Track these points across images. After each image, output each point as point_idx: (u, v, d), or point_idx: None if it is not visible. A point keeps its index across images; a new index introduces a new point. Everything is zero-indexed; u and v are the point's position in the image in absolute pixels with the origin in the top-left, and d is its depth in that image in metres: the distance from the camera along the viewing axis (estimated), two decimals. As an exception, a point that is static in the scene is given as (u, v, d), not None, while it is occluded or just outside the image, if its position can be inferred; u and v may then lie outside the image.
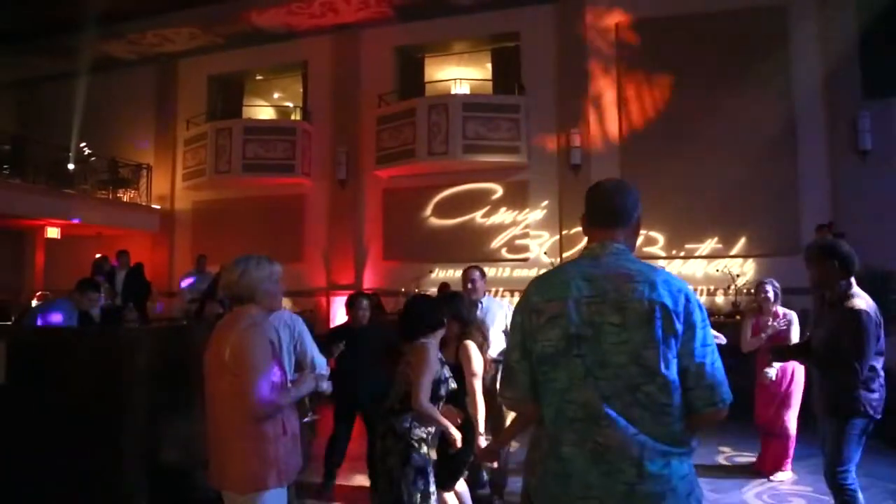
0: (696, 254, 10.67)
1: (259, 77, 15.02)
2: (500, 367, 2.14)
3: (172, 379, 4.32)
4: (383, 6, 12.17)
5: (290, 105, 15.30)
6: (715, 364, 1.82)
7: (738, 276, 10.12)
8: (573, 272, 1.93)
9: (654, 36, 11.02)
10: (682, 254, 10.74)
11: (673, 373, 1.79)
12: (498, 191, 11.86)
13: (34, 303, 9.47)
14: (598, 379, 1.79)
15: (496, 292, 11.12)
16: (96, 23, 11.95)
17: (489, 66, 13.09)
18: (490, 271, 11.60)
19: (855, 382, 3.50)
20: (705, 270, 10.57)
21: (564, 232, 11.10)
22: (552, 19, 11.73)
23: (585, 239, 2.08)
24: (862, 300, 3.55)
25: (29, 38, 13.49)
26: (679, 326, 1.80)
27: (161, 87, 14.87)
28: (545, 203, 11.44)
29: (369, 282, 12.36)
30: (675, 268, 10.69)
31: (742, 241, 10.45)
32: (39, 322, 5.59)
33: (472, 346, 3.86)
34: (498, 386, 2.10)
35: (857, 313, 3.47)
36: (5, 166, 12.53)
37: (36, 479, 4.21)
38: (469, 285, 5.08)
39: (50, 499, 4.16)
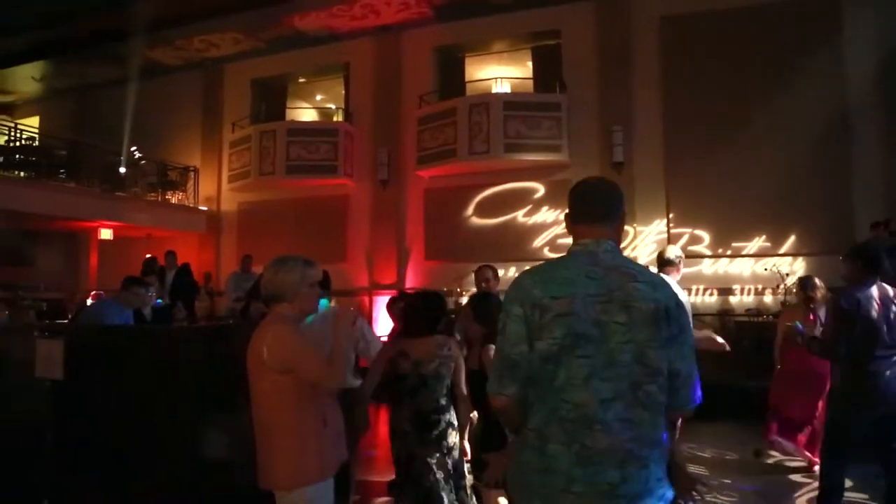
0: (744, 252, 10.42)
1: (301, 80, 15.23)
2: (495, 360, 1.95)
3: (219, 376, 4.41)
4: (423, 7, 12.21)
5: (333, 107, 15.49)
6: (694, 366, 1.92)
7: (787, 274, 9.85)
8: (575, 269, 1.90)
9: (699, 29, 10.80)
10: (728, 252, 10.50)
11: (667, 372, 1.84)
12: (539, 190, 11.78)
13: (89, 302, 9.77)
14: (603, 380, 1.77)
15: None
16: (145, 31, 12.28)
17: (530, 64, 13.01)
18: (532, 271, 11.54)
19: (838, 373, 4.01)
20: (753, 269, 10.32)
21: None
22: (593, 15, 11.61)
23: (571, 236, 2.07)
24: (855, 291, 3.90)
25: (83, 47, 13.96)
26: (674, 328, 1.85)
27: (207, 91, 15.22)
28: (588, 202, 11.31)
29: (411, 281, 12.42)
30: (721, 266, 10.48)
31: (791, 238, 10.18)
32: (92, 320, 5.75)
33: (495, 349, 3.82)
34: (491, 380, 1.93)
35: (831, 300, 4.02)
36: (61, 171, 12.98)
37: (89, 471, 4.35)
38: (483, 285, 5.19)
39: (102, 490, 4.29)
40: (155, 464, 4.22)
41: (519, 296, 1.88)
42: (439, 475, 3.29)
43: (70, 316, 9.15)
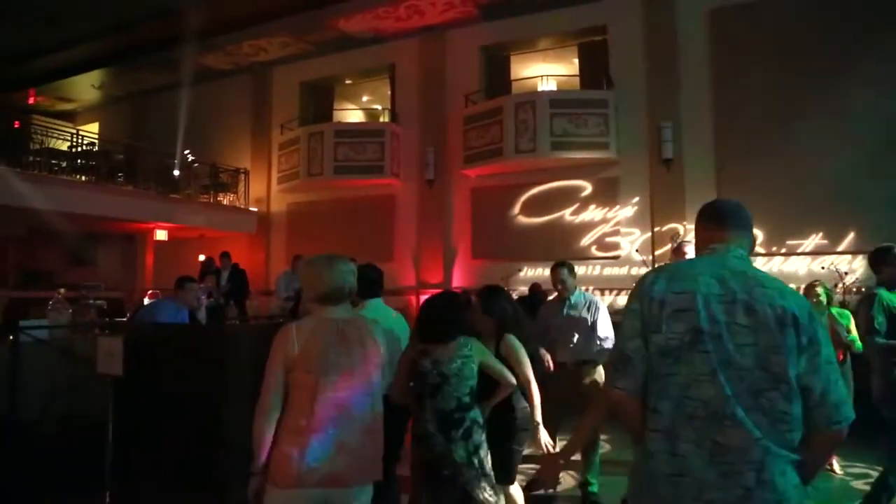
0: (799, 250, 10.11)
1: (348, 81, 15.40)
2: (612, 355, 1.99)
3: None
4: (468, 6, 12.20)
5: (379, 108, 15.63)
6: (838, 382, 1.82)
7: (846, 273, 9.51)
8: (701, 268, 1.92)
9: (751, 20, 10.51)
10: (783, 250, 10.20)
11: (795, 382, 1.77)
12: (587, 188, 11.66)
13: (146, 301, 10.07)
14: (724, 378, 1.76)
15: (587, 290, 10.92)
16: (197, 38, 12.60)
17: (576, 61, 12.88)
18: (580, 269, 11.38)
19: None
20: (809, 268, 10.00)
21: (656, 229, 10.79)
22: (641, 10, 11.42)
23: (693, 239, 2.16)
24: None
25: (139, 55, 14.41)
26: (804, 339, 1.79)
27: (256, 94, 15.54)
28: (636, 199, 11.15)
29: (458, 280, 12.44)
30: (775, 265, 10.18)
31: (851, 236, 9.82)
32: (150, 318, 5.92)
33: (513, 338, 3.83)
34: (608, 374, 1.98)
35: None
36: (119, 174, 13.42)
37: (147, 464, 4.49)
38: (559, 286, 5.34)
39: (160, 482, 4.43)
40: (209, 457, 4.33)
41: (638, 292, 1.94)
42: (471, 473, 3.23)
43: (128, 314, 9.45)
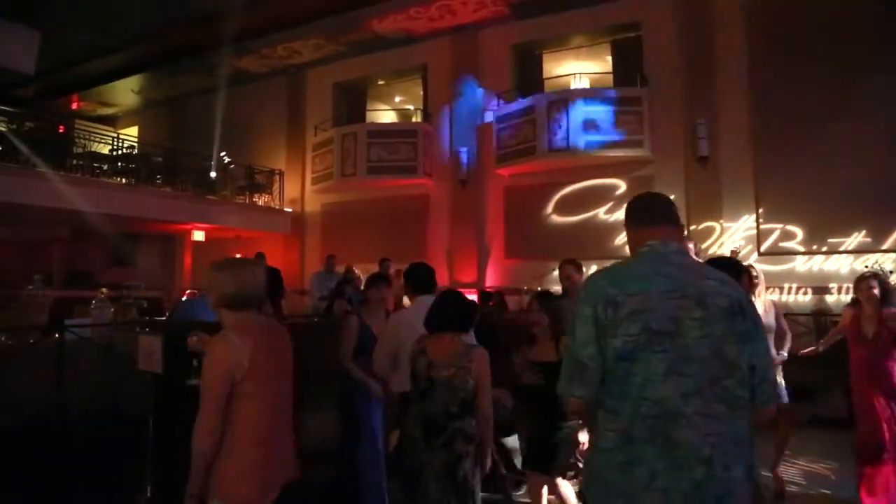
0: (841, 248, 9.86)
1: (381, 82, 15.50)
2: (563, 362, 1.94)
3: (305, 370, 4.55)
4: (500, 5, 12.18)
5: (412, 108, 15.69)
6: (771, 363, 1.94)
7: (891, 272, 9.24)
8: (648, 267, 1.93)
9: (789, 14, 10.29)
10: (824, 249, 9.96)
11: (746, 367, 1.84)
12: (621, 186, 11.55)
13: (184, 299, 10.26)
14: (681, 375, 1.77)
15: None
16: (233, 41, 12.80)
17: (609, 58, 12.77)
18: (613, 268, 11.32)
19: None
20: (852, 267, 9.74)
21: (692, 227, 10.63)
22: (675, 5, 11.26)
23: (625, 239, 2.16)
24: None
25: (176, 60, 14.71)
26: (748, 323, 1.87)
27: (290, 96, 15.74)
28: (671, 197, 10.95)
29: (491, 280, 12.42)
30: (815, 264, 9.96)
31: None
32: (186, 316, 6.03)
33: None
34: (561, 383, 1.93)
35: None
36: (158, 177, 13.71)
37: (187, 459, 4.57)
38: (566, 282, 5.39)
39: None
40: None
41: (591, 296, 1.90)
42: (444, 486, 3.11)
43: (167, 313, 9.64)
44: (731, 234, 10.53)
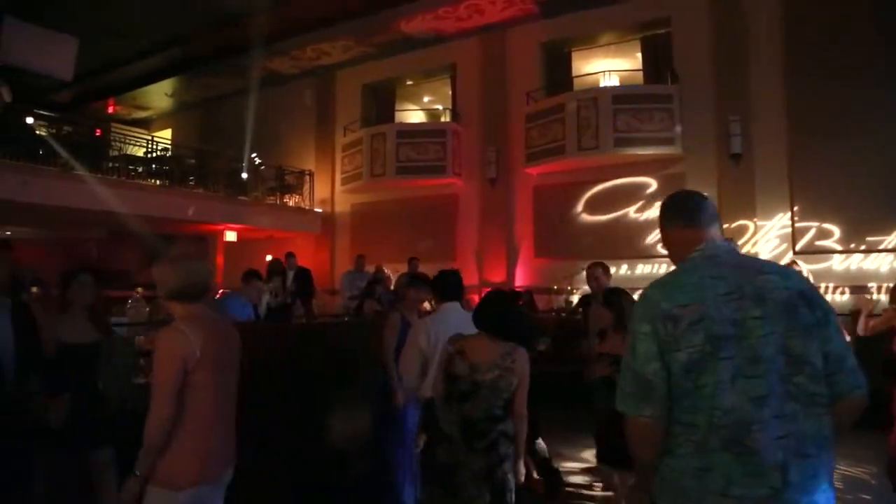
0: (881, 247, 9.62)
1: (409, 82, 15.54)
2: (622, 380, 1.88)
3: (335, 368, 4.58)
4: (528, 3, 12.13)
5: (440, 108, 15.72)
6: (850, 349, 1.83)
7: (932, 270, 9.01)
8: (700, 273, 1.85)
9: (827, 3, 10.06)
10: (862, 247, 9.73)
11: (819, 361, 1.75)
12: (652, 185, 11.42)
13: (216, 298, 10.40)
14: (749, 378, 1.71)
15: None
16: (263, 43, 12.96)
17: (639, 55, 12.65)
18: (645, 268, 11.22)
19: None
20: (892, 265, 9.52)
21: (725, 225, 10.45)
22: (707, 0, 11.10)
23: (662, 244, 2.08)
24: None
25: (208, 63, 14.94)
26: (819, 313, 1.79)
27: (320, 97, 15.87)
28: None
29: (521, 279, 12.38)
30: (853, 262, 9.74)
31: (937, 231, 9.31)
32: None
33: None
34: (619, 401, 1.87)
35: None
36: (191, 178, 13.93)
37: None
38: (593, 283, 5.41)
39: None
40: (279, 450, 4.45)
41: (646, 312, 1.84)
42: (482, 487, 3.08)
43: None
44: (765, 233, 10.35)
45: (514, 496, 3.19)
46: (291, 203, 15.36)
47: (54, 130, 11.89)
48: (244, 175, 14.49)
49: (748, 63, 10.64)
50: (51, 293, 11.30)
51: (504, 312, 3.33)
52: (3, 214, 12.43)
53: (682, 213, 2.05)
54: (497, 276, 12.47)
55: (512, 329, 3.27)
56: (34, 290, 10.94)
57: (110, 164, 12.53)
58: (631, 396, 1.84)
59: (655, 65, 11.92)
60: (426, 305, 5.09)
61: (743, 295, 1.78)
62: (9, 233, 17.03)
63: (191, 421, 2.48)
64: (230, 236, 14.70)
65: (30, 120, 11.49)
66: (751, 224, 10.31)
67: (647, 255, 11.14)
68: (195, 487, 2.47)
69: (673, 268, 2.01)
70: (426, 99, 16.39)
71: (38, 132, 11.39)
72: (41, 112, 12.07)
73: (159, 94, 17.47)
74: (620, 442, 3.80)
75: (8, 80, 10.78)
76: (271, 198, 15.09)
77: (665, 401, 1.78)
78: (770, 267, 1.90)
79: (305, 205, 15.46)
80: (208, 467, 2.53)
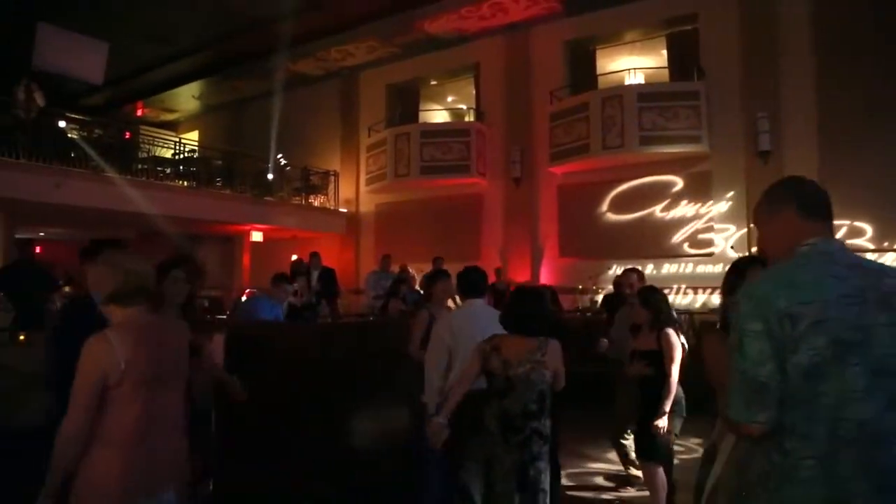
0: (915, 245, 9.43)
1: (433, 82, 15.56)
2: (732, 384, 1.70)
3: (361, 367, 4.61)
4: (552, 1, 12.08)
5: (464, 107, 15.72)
6: None
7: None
8: (816, 270, 1.68)
9: None
10: (895, 246, 9.54)
11: None
12: (678, 183, 11.30)
13: (243, 299, 10.53)
14: (878, 390, 1.56)
15: (679, 289, 10.64)
16: (288, 45, 13.08)
17: (664, 52, 12.52)
18: (672, 267, 11.12)
19: None
20: (926, 263, 9.32)
21: (752, 224, 10.31)
22: (735, -5, 10.97)
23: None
24: None
25: (234, 65, 15.12)
26: None
27: (344, 98, 15.97)
28: (730, 194, 10.71)
29: (546, 279, 12.33)
30: (887, 261, 9.53)
31: (973, 228, 9.08)
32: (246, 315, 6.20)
33: (671, 333, 4.12)
34: (729, 407, 1.69)
35: None
36: (218, 179, 14.10)
37: (248, 454, 4.70)
38: (627, 290, 5.43)
39: (260, 471, 4.62)
40: (305, 448, 4.49)
41: (759, 309, 1.65)
42: (511, 484, 3.14)
43: (228, 312, 9.91)
44: (795, 231, 10.17)
45: (548, 498, 3.22)
46: (317, 203, 15.48)
47: (85, 133, 12.11)
48: (270, 176, 14.64)
49: (777, 58, 10.47)
50: (82, 291, 11.54)
51: (524, 313, 3.40)
52: (38, 215, 12.70)
53: (799, 199, 1.84)
54: (522, 276, 12.43)
55: (534, 327, 3.35)
56: (66, 289, 11.19)
57: (139, 166, 12.74)
58: (742, 402, 1.66)
59: (681, 62, 11.80)
60: (451, 304, 5.09)
61: (866, 299, 1.61)
62: (42, 233, 17.42)
63: (113, 437, 2.28)
64: (256, 236, 14.86)
65: (62, 123, 11.73)
66: (780, 222, 10.15)
67: (674, 254, 11.03)
68: None
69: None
70: (450, 99, 16.40)
71: (70, 135, 11.62)
72: (73, 116, 12.31)
73: (187, 97, 17.72)
74: (656, 436, 3.87)
75: (41, 85, 11.04)
76: (297, 198, 15.22)
77: (776, 406, 1.62)
78: (891, 271, 1.72)
79: (330, 205, 15.57)
80: (134, 487, 2.31)
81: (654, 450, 4.10)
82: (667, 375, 4.04)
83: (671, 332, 4.14)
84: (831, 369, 1.56)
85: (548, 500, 3.23)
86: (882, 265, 1.78)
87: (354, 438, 4.67)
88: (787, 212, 1.83)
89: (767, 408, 1.62)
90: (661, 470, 4.12)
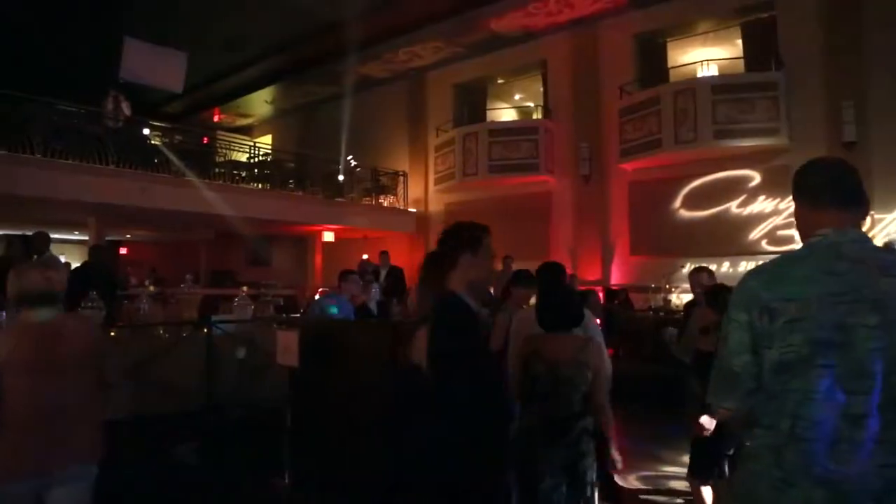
0: None
1: (500, 81, 15.53)
2: (713, 369, 1.78)
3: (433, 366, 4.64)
4: (620, -6, 11.87)
5: (532, 105, 15.62)
6: None
7: None
8: (810, 264, 1.64)
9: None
10: None
11: None
12: (755, 177, 10.90)
13: (316, 297, 10.79)
14: (851, 393, 1.51)
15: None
16: (357, 48, 13.32)
17: (739, 42, 12.08)
18: (749, 265, 10.71)
19: None
20: None
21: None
22: (816, -20, 10.48)
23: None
24: None
25: (305, 70, 15.52)
26: None
27: (412, 99, 16.13)
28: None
29: (616, 278, 12.13)
30: None
31: None
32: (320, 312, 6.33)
33: None
34: (709, 393, 1.78)
35: None
36: (290, 181, 14.50)
37: (320, 448, 4.82)
38: (698, 289, 5.15)
39: (328, 468, 4.73)
40: (375, 446, 4.56)
41: (744, 300, 1.68)
42: (560, 481, 3.10)
43: (301, 310, 10.18)
44: (884, 227, 9.67)
45: (594, 491, 3.21)
46: (386, 203, 15.69)
47: (167, 140, 12.69)
48: (341, 177, 14.94)
49: (862, 43, 9.94)
50: (166, 290, 12.09)
51: (563, 311, 3.32)
52: (125, 218, 13.39)
53: (804, 188, 1.80)
54: (592, 275, 12.26)
55: (567, 317, 3.29)
56: (151, 288, 11.73)
57: (217, 170, 13.22)
58: (716, 386, 1.75)
59: (758, 51, 11.34)
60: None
61: (859, 298, 1.56)
62: (129, 235, 18.35)
63: (6, 420, 2.63)
64: (328, 237, 15.20)
65: (146, 131, 12.32)
66: (867, 217, 9.65)
67: (751, 251, 10.64)
68: (8, 483, 2.60)
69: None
70: (517, 96, 16.32)
71: (153, 142, 12.19)
72: (156, 123, 12.91)
73: (260, 102, 18.29)
74: (706, 452, 3.68)
75: (127, 96, 11.63)
76: (367, 199, 15.47)
77: (748, 395, 1.66)
78: None
79: (400, 205, 15.76)
80: (20, 465, 2.63)
81: (700, 466, 3.92)
82: None
83: None
84: (801, 367, 1.56)
85: (594, 493, 3.21)
86: (892, 263, 1.64)
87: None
88: (798, 201, 1.83)
89: (735, 396, 1.69)
90: (707, 489, 3.93)
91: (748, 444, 1.73)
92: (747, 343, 1.65)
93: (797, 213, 1.84)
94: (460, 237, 2.67)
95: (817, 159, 1.88)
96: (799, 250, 1.75)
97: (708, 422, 3.70)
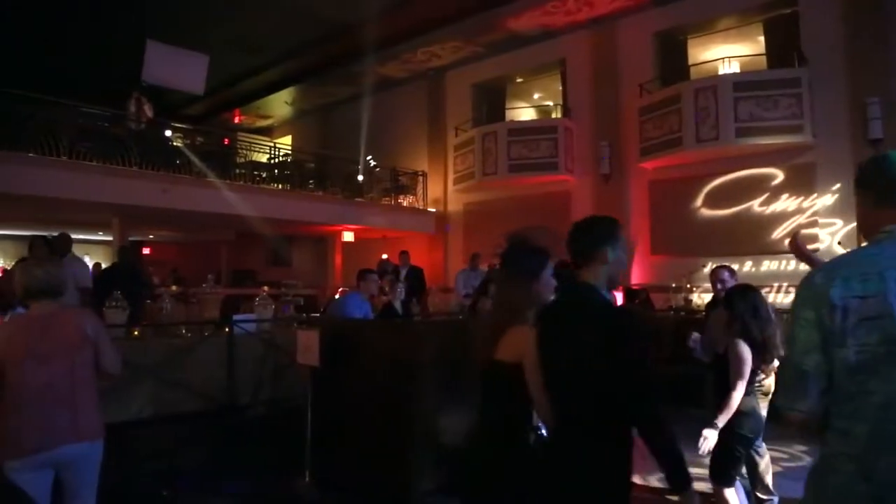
0: None
1: (519, 80, 15.49)
2: (780, 371, 1.73)
3: (452, 366, 4.65)
4: (639, -8, 11.77)
5: (551, 104, 15.57)
6: None
7: None
8: (883, 260, 1.58)
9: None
10: None
11: None
12: (778, 176, 10.75)
13: (336, 297, 10.84)
14: None
15: (780, 288, 10.12)
16: (375, 49, 13.36)
17: (761, 39, 11.94)
18: (772, 264, 10.61)
19: None
20: None
21: (863, 217, 9.68)
22: (840, -26, 10.32)
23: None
24: None
25: (324, 71, 15.60)
26: None
27: (430, 99, 16.13)
28: (836, 186, 10.08)
29: (637, 277, 12.04)
30: None
31: None
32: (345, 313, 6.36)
33: (742, 345, 3.68)
34: (776, 394, 1.71)
35: None
36: (310, 181, 14.59)
37: (341, 447, 4.84)
38: (718, 286, 5.09)
39: (349, 468, 4.75)
40: (396, 444, 4.58)
41: (811, 297, 1.62)
42: None
43: (322, 310, 10.23)
44: (910, 224, 9.49)
45: None
46: (405, 203, 15.72)
47: (189, 141, 12.82)
48: (360, 177, 14.99)
49: (887, 37, 9.77)
50: (188, 290, 12.22)
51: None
52: (148, 219, 13.56)
53: (877, 182, 1.73)
54: (611, 274, 12.17)
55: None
56: (174, 288, 11.86)
57: (237, 171, 13.34)
58: (786, 389, 1.67)
59: (780, 48, 11.20)
60: None
61: None
62: (151, 235, 18.58)
63: (7, 401, 2.92)
64: (347, 236, 15.27)
65: (168, 133, 12.46)
66: None
67: (774, 250, 10.50)
68: (23, 458, 2.86)
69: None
70: (536, 96, 16.27)
71: (175, 143, 12.33)
72: (177, 125, 13.05)
73: (280, 103, 18.41)
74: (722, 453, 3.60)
75: (150, 98, 11.78)
76: (386, 199, 15.51)
77: (820, 396, 1.59)
78: None
79: (419, 205, 15.78)
80: (19, 444, 2.88)
81: (721, 471, 3.83)
82: (730, 388, 3.67)
83: (741, 343, 3.70)
84: (882, 367, 1.50)
85: None
86: None
87: (443, 437, 4.71)
88: (866, 195, 1.75)
89: (807, 398, 1.61)
90: (730, 492, 3.83)
91: (822, 452, 1.64)
92: (817, 341, 1.59)
93: (859, 210, 1.80)
94: (600, 232, 2.62)
95: (884, 155, 1.80)
96: (868, 247, 1.71)
97: (708, 434, 3.60)
